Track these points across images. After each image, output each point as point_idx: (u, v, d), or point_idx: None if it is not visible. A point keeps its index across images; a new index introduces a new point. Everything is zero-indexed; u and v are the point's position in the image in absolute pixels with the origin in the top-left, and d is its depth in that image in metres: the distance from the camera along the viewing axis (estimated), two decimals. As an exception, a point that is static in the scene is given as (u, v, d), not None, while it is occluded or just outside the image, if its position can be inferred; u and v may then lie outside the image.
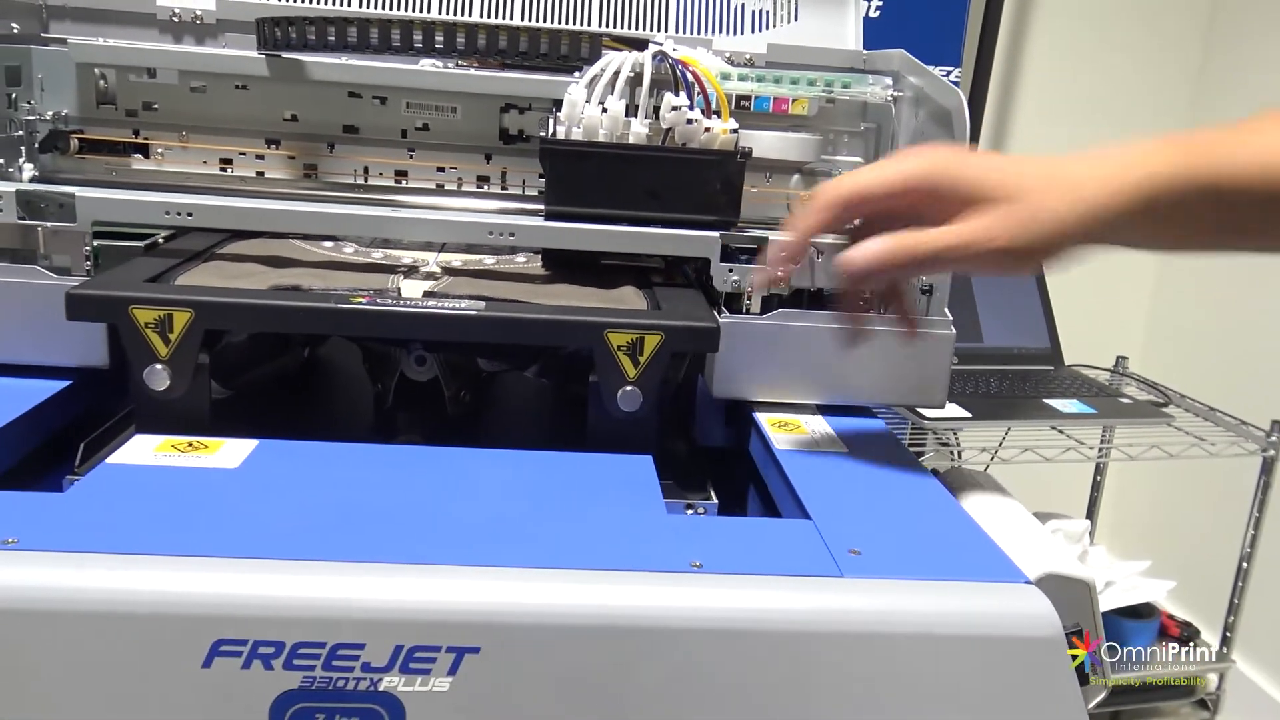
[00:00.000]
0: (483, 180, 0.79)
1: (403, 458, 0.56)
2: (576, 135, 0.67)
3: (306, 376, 0.78)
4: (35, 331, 0.62)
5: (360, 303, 0.58)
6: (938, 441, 1.49)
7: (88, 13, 0.80)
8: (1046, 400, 1.52)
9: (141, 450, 0.55)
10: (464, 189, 0.79)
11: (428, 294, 0.62)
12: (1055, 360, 1.67)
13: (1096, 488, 1.96)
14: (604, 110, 0.67)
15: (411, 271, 0.68)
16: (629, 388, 0.59)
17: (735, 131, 0.68)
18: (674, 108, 0.67)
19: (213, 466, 0.53)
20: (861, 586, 0.46)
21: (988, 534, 0.52)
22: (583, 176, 0.67)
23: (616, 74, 0.68)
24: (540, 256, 0.73)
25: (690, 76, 0.68)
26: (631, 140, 0.67)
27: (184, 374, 0.57)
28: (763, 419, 0.66)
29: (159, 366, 0.56)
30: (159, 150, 0.76)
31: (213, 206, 0.64)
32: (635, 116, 0.68)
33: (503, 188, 0.79)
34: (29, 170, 0.73)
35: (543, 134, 0.68)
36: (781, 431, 0.65)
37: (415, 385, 0.68)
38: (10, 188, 0.63)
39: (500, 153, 0.78)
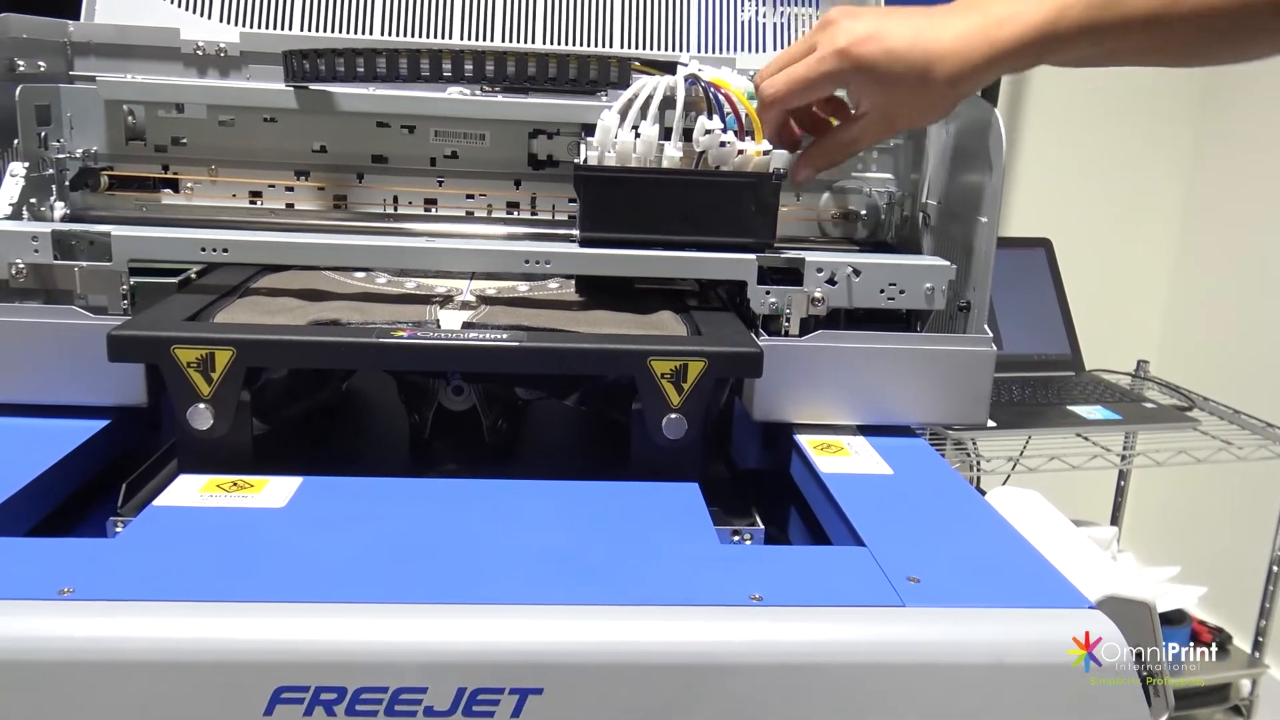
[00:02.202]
0: (512, 206, 0.79)
1: (449, 492, 0.56)
2: (610, 161, 0.67)
3: (340, 408, 0.77)
4: (74, 372, 0.62)
5: (401, 336, 0.57)
6: (958, 450, 1.48)
7: (113, 49, 0.81)
8: (1070, 407, 1.51)
9: (187, 491, 0.55)
10: (494, 216, 0.78)
11: (467, 325, 0.62)
12: (1076, 366, 1.67)
13: (1120, 493, 1.95)
14: (637, 135, 0.67)
15: (446, 301, 0.68)
16: (673, 415, 0.59)
17: (768, 153, 0.67)
18: (707, 130, 0.67)
19: (260, 506, 0.53)
20: (926, 616, 0.45)
21: (1044, 556, 0.51)
22: (617, 202, 0.67)
23: (650, 98, 0.67)
24: (574, 281, 0.73)
25: (722, 98, 0.68)
26: (665, 164, 0.67)
27: (226, 412, 0.57)
28: (804, 441, 0.66)
29: (202, 406, 0.56)
30: (188, 185, 0.76)
31: (248, 242, 0.64)
32: (668, 140, 0.68)
33: (532, 213, 0.79)
34: (60, 209, 0.73)
35: (576, 161, 0.67)
36: (825, 454, 0.64)
37: (451, 415, 0.68)
38: (45, 228, 0.63)
39: (529, 178, 0.78)
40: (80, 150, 0.74)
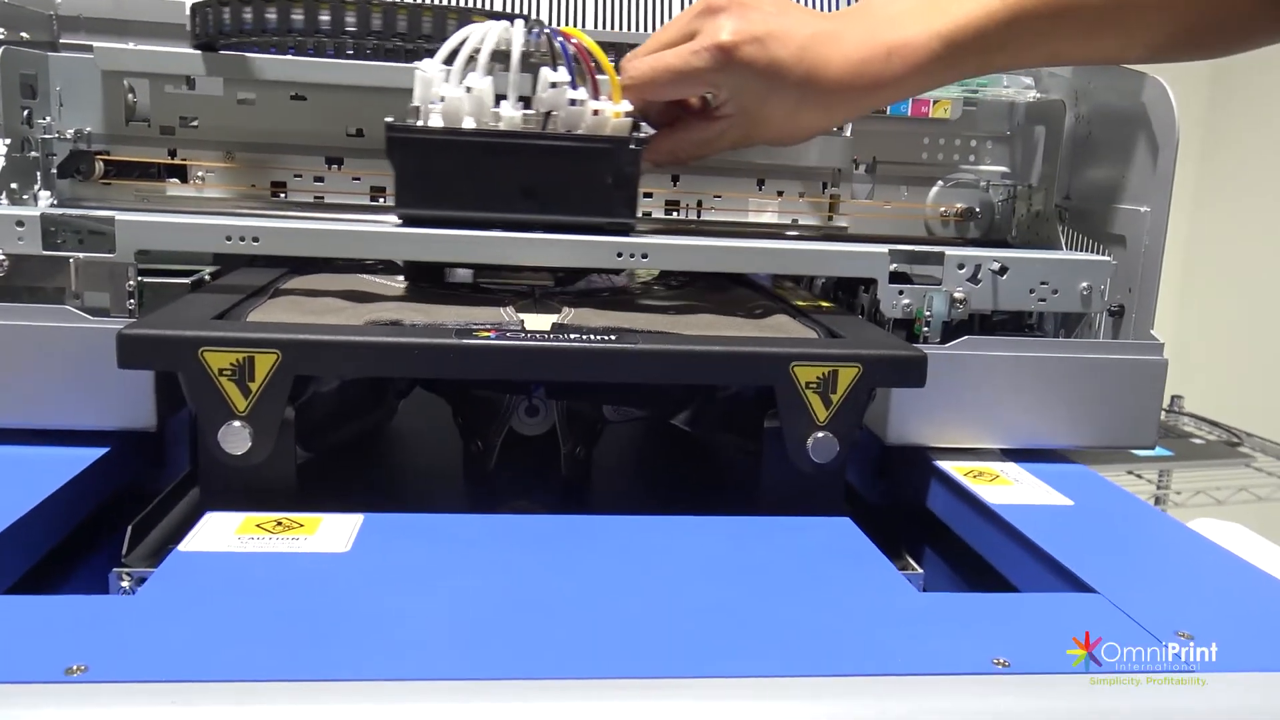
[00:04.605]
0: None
1: (553, 532, 0.44)
2: (435, 122, 0.54)
3: (377, 432, 0.66)
4: (67, 387, 0.50)
5: (489, 338, 0.46)
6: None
7: (107, 23, 0.69)
8: (1117, 443, 1.42)
9: (219, 532, 0.42)
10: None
11: (558, 326, 0.51)
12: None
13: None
14: (468, 90, 0.55)
15: (519, 300, 0.56)
16: (821, 434, 0.48)
17: (631, 115, 0.56)
18: (552, 84, 0.55)
19: (318, 551, 0.41)
20: (1235, 683, 0.34)
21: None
22: (441, 172, 0.54)
23: (479, 48, 0.55)
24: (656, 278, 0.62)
25: (571, 49, 0.57)
26: (503, 127, 0.55)
27: (268, 433, 0.45)
28: (951, 469, 0.55)
29: (237, 424, 0.44)
30: (199, 174, 0.64)
31: (287, 229, 0.52)
32: (506, 99, 0.56)
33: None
34: (45, 199, 0.61)
35: (389, 120, 0.55)
36: (981, 483, 0.53)
37: (519, 440, 0.57)
38: (34, 212, 0.51)
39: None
40: (71, 130, 0.62)
